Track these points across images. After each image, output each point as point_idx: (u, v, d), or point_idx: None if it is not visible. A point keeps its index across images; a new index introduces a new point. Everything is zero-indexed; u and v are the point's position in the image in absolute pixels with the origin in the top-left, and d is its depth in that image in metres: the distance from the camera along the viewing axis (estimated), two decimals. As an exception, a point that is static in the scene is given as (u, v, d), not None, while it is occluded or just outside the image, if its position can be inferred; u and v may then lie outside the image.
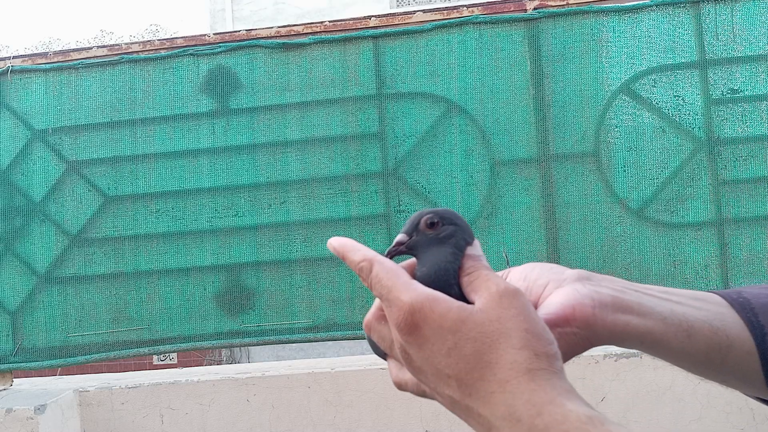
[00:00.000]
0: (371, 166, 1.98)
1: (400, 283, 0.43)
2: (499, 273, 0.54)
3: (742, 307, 0.49)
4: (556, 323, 0.45)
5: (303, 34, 2.03)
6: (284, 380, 1.99)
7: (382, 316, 0.46)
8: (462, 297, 0.45)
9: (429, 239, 0.47)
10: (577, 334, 0.45)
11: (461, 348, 0.41)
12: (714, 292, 0.50)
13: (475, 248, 0.46)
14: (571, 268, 0.49)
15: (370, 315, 0.46)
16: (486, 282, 0.43)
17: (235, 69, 2.02)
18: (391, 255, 0.47)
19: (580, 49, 1.93)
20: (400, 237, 0.48)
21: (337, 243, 0.47)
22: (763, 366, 0.48)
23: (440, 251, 0.47)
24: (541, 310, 0.47)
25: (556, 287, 0.48)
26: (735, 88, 1.90)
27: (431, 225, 0.47)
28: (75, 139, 2.04)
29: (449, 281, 0.45)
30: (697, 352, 0.47)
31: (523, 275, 0.51)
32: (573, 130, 1.93)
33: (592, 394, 1.89)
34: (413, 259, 0.48)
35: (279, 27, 2.05)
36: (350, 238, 0.48)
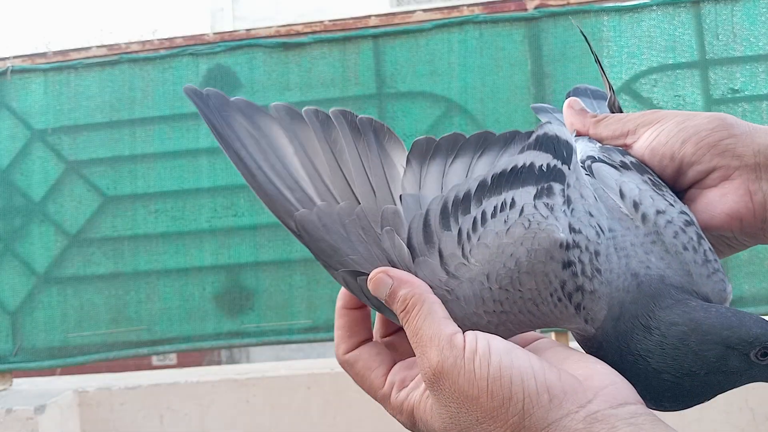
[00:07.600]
0: (371, 165, 1.98)
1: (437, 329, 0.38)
2: (612, 117, 0.46)
3: None
4: (714, 228, 0.38)
5: (303, 33, 2.02)
6: (284, 381, 1.98)
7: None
8: None
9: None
10: (739, 242, 0.38)
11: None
12: None
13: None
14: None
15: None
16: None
17: (234, 68, 2.02)
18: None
19: (580, 49, 1.93)
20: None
21: (396, 278, 0.39)
22: None
23: None
24: (698, 207, 0.38)
25: (723, 179, 0.37)
26: (735, 87, 1.89)
27: None
28: (74, 138, 2.04)
29: None
30: None
31: (671, 150, 0.39)
32: (573, 129, 1.93)
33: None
34: None
35: (278, 26, 2.04)
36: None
